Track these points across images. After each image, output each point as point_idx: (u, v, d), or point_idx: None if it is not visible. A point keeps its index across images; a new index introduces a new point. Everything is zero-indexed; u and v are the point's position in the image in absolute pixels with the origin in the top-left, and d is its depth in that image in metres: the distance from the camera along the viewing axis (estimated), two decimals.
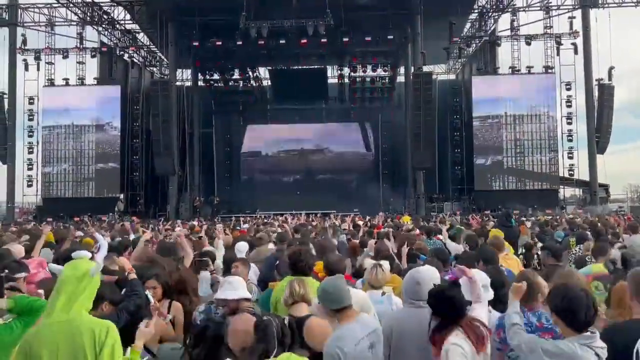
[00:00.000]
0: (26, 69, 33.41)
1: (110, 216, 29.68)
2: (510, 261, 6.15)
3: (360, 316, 3.40)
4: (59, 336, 2.58)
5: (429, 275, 3.76)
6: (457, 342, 2.93)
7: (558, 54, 32.45)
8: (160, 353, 3.64)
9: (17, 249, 6.44)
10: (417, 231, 10.99)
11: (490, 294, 3.58)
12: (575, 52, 31.74)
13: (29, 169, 33.75)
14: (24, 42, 33.19)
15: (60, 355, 2.57)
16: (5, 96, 33.00)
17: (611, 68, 32.04)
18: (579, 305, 2.79)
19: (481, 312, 3.30)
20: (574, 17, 31.74)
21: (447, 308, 3.03)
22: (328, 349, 3.15)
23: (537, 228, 13.03)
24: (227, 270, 5.75)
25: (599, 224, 12.36)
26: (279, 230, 11.03)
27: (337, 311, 3.31)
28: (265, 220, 18.68)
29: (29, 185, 33.75)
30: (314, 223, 15.97)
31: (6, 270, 3.82)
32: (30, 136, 34.01)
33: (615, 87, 32.39)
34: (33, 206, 34.49)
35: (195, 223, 18.93)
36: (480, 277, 3.65)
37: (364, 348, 3.21)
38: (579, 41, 31.49)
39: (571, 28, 31.91)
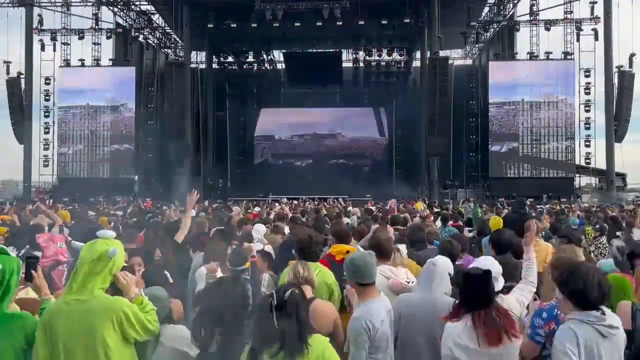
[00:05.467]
0: (42, 49, 33.59)
1: (125, 198, 29.94)
2: (537, 247, 5.93)
3: (381, 295, 3.46)
4: (74, 314, 2.63)
5: (446, 264, 3.75)
6: (454, 328, 2.88)
7: (578, 40, 31.80)
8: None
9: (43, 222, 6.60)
10: (432, 218, 10.96)
11: (500, 284, 3.50)
12: (596, 38, 31.11)
13: (45, 149, 34.11)
14: (40, 22, 33.30)
15: (75, 333, 2.62)
16: (21, 76, 33.25)
17: (632, 55, 31.38)
18: (587, 284, 2.71)
19: (510, 299, 3.26)
20: (595, 2, 31.01)
21: (468, 295, 2.96)
22: (357, 323, 3.19)
23: (554, 216, 12.88)
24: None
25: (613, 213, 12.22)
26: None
27: (361, 285, 3.36)
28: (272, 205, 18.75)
29: (45, 165, 34.15)
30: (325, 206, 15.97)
31: (27, 247, 3.85)
32: (46, 116, 34.32)
33: (635, 74, 31.77)
34: (49, 186, 34.91)
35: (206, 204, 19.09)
36: (493, 266, 3.61)
37: (386, 326, 3.27)
38: (600, 27, 30.85)
39: (592, 13, 31.19)
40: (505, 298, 3.37)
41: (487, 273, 3.02)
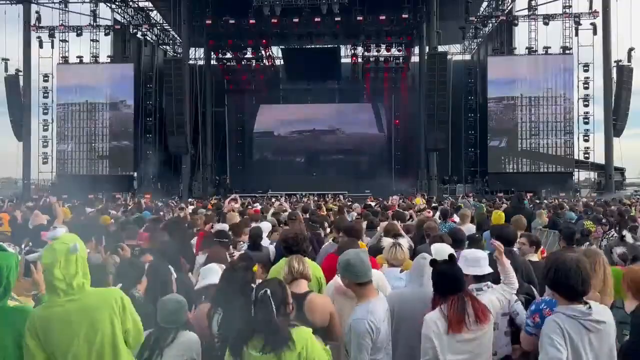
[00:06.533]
0: (40, 46, 33.50)
1: (125, 194, 29.95)
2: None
3: (379, 293, 3.43)
4: (72, 314, 2.59)
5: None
6: (431, 318, 3.00)
7: (576, 35, 31.83)
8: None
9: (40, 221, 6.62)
10: (430, 213, 10.98)
11: (486, 269, 3.58)
12: (594, 32, 31.11)
13: (44, 147, 34.09)
14: (38, 19, 33.21)
15: (75, 332, 2.59)
16: (20, 73, 33.18)
17: (631, 49, 31.42)
18: (568, 273, 2.78)
19: (490, 296, 3.31)
20: None
21: (437, 282, 3.09)
22: (360, 324, 3.10)
23: (552, 211, 12.92)
24: (252, 245, 5.80)
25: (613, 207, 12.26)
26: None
27: (360, 285, 3.28)
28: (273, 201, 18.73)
29: (44, 163, 34.14)
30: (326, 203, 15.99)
31: (30, 244, 3.87)
32: (45, 114, 34.27)
33: (634, 68, 31.82)
34: (48, 183, 34.90)
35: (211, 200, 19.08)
36: (476, 253, 3.67)
37: (386, 325, 3.26)
38: (599, 21, 30.86)
39: (591, 8, 31.17)
40: (484, 295, 3.40)
41: (451, 257, 3.13)
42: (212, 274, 3.75)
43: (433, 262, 3.16)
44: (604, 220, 9.27)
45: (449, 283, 3.05)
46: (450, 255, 3.17)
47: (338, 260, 3.46)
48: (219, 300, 3.19)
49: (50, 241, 2.64)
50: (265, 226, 6.99)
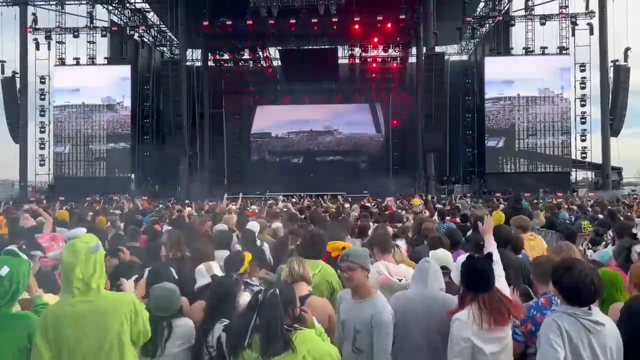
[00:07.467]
0: (37, 48, 33.45)
1: (122, 196, 29.89)
2: (534, 242, 6.02)
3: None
4: (85, 315, 2.62)
5: (442, 259, 3.77)
6: (461, 318, 2.97)
7: (573, 35, 31.84)
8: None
9: (30, 223, 6.58)
10: (427, 213, 10.99)
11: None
12: (591, 32, 31.15)
13: (41, 148, 34.02)
14: (35, 21, 33.15)
15: (86, 333, 2.60)
16: (16, 75, 33.11)
17: (627, 49, 31.49)
18: (583, 285, 2.72)
19: (503, 287, 3.31)
20: None
21: (471, 279, 3.05)
22: (384, 314, 3.25)
23: (549, 211, 12.92)
24: (244, 247, 5.77)
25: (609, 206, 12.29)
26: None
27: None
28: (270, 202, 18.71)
29: (41, 165, 34.07)
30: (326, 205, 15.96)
31: (24, 247, 3.87)
32: (42, 115, 34.21)
33: (631, 68, 31.88)
34: (45, 185, 34.82)
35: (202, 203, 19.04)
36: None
37: None
38: (595, 21, 30.91)
39: (587, 8, 31.25)
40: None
41: (489, 256, 3.14)
42: (202, 276, 3.77)
43: (470, 258, 3.15)
44: (596, 222, 9.25)
45: (484, 282, 3.02)
46: (488, 254, 3.22)
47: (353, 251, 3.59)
48: (214, 316, 3.20)
49: (67, 240, 2.70)
50: (255, 226, 6.96)
